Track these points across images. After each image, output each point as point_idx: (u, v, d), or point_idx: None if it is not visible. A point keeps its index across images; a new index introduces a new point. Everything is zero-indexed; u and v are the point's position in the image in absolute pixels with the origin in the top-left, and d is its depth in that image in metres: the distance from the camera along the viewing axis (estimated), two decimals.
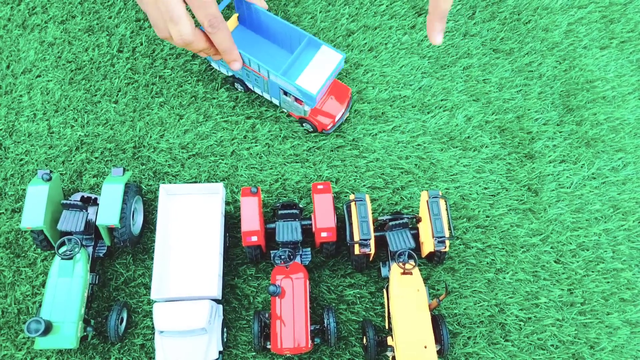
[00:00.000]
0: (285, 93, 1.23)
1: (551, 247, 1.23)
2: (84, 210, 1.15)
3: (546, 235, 1.24)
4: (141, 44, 1.43)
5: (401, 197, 1.28)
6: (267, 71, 1.19)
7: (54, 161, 1.31)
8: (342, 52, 1.20)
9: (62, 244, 1.11)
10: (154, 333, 1.14)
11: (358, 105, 1.37)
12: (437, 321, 1.10)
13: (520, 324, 1.16)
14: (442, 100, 1.38)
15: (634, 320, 1.16)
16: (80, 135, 1.33)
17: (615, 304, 1.17)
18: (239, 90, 1.35)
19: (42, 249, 1.16)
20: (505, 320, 1.16)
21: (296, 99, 1.22)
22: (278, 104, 1.32)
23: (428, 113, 1.36)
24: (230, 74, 1.33)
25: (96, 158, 1.31)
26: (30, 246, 1.22)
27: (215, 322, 1.11)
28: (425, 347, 1.01)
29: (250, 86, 1.33)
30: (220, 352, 1.11)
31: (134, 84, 1.39)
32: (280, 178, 1.29)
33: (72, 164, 1.31)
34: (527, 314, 1.17)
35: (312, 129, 1.30)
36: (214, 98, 1.37)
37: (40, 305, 1.12)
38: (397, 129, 1.35)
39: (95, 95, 1.38)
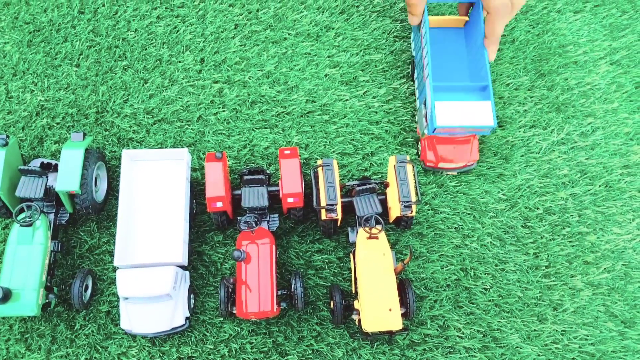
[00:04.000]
0: (425, 105, 1.17)
1: (519, 213, 1.23)
2: (43, 176, 1.11)
3: (514, 201, 1.24)
4: (103, 5, 1.38)
5: (371, 163, 1.27)
6: (429, 74, 1.14)
7: (14, 127, 1.26)
8: (495, 122, 1.12)
9: (21, 210, 1.08)
10: (119, 300, 1.13)
11: (329, 70, 1.34)
12: (404, 285, 1.11)
13: (486, 288, 1.17)
14: (417, 142, 1.34)
15: (596, 282, 1.18)
16: (40, 100, 1.29)
17: (578, 266, 1.19)
18: (408, 76, 1.31)
19: (1, 216, 1.13)
20: (471, 284, 1.17)
21: (426, 117, 1.16)
22: (417, 107, 1.27)
23: (400, 78, 1.34)
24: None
25: (57, 124, 1.27)
26: None
27: (182, 289, 1.10)
28: (390, 310, 1.02)
29: (414, 77, 1.28)
30: (187, 318, 1.10)
31: (96, 46, 1.34)
32: (249, 144, 1.27)
33: (33, 129, 1.26)
34: (492, 277, 1.18)
35: (417, 153, 1.25)
36: (179, 62, 1.33)
37: None
38: (368, 94, 1.33)
39: (56, 58, 1.33)
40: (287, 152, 1.16)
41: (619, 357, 1.12)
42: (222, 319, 1.13)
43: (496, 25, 1.10)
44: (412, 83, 1.32)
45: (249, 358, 1.10)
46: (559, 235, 1.22)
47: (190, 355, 1.10)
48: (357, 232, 1.14)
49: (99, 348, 1.10)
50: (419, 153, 1.24)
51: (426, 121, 1.16)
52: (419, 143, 1.24)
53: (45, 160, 1.17)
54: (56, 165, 1.17)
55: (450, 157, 1.19)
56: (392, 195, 1.14)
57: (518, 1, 1.10)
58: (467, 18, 1.25)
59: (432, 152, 1.20)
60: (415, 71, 1.27)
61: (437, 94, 1.14)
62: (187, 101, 1.30)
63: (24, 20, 1.35)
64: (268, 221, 1.15)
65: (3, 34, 1.33)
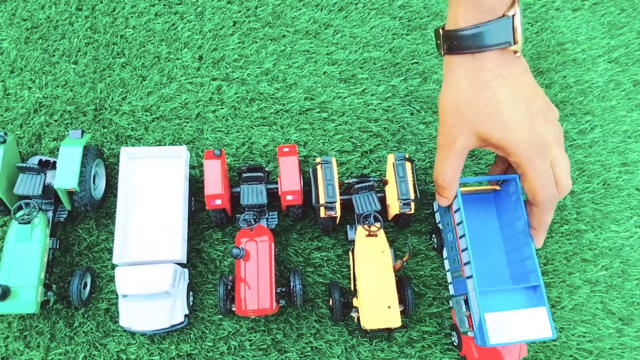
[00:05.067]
0: (466, 302, 1.03)
1: None
2: (42, 174, 1.11)
3: None
4: (101, 2, 1.37)
5: (370, 161, 1.27)
6: (472, 277, 0.99)
7: (11, 124, 1.26)
8: (554, 333, 0.96)
9: (20, 208, 1.08)
10: (118, 297, 1.12)
11: (327, 67, 1.34)
12: (403, 282, 1.11)
13: None
14: (413, 63, 1.36)
15: (594, 279, 1.18)
16: (38, 97, 1.28)
17: (577, 264, 1.19)
18: (431, 241, 1.18)
19: None
20: None
21: (469, 317, 1.02)
22: (451, 293, 1.13)
23: (398, 76, 1.34)
24: (438, 221, 1.16)
25: (55, 121, 1.27)
26: None
27: (181, 286, 1.10)
28: (389, 308, 1.02)
29: (443, 253, 1.16)
30: (186, 316, 1.10)
31: (94, 43, 1.33)
32: (247, 141, 1.27)
33: (31, 127, 1.26)
34: None
35: (453, 339, 1.12)
36: (177, 59, 1.32)
37: None
38: (366, 92, 1.32)
39: (54, 55, 1.32)
40: (285, 149, 1.15)
41: (617, 354, 1.13)
42: (221, 316, 1.13)
43: (545, 217, 0.98)
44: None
45: (248, 355, 1.10)
46: (557, 233, 1.22)
47: (189, 352, 1.10)
48: (356, 229, 1.14)
49: (98, 345, 1.10)
50: (456, 342, 1.10)
51: (470, 323, 1.02)
52: (456, 333, 1.10)
53: (44, 158, 1.17)
54: (54, 162, 1.17)
55: (499, 357, 1.04)
56: (391, 193, 1.14)
57: (564, 188, 0.95)
58: (498, 188, 1.14)
59: (477, 354, 1.06)
60: (445, 250, 1.15)
61: (484, 299, 1.01)
62: (186, 98, 1.29)
63: (22, 17, 1.34)
64: (267, 219, 1.15)
65: (0, 31, 1.33)
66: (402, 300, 1.09)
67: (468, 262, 1.01)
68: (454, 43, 0.91)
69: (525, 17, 1.40)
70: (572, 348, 1.13)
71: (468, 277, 1.02)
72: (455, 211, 1.06)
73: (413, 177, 1.13)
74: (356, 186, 1.14)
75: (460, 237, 1.04)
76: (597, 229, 1.23)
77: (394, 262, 1.11)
